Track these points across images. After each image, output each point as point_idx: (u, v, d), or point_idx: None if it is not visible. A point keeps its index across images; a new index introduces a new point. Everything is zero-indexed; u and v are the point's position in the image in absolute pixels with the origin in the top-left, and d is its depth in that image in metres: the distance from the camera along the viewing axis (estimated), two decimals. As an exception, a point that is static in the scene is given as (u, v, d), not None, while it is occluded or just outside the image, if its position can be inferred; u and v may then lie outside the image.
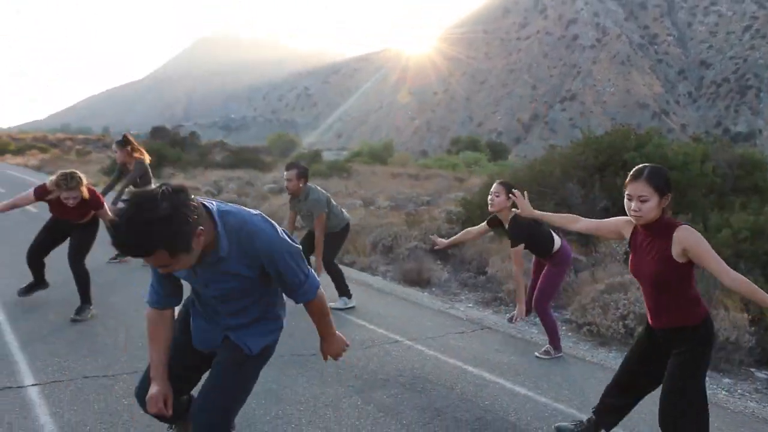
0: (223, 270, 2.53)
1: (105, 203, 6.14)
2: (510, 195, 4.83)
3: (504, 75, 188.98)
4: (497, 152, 57.62)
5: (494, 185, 5.40)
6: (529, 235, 5.34)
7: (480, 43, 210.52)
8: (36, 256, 6.40)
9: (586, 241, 9.17)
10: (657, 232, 3.23)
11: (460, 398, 4.51)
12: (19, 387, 4.25)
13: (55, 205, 5.91)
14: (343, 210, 7.10)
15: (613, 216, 9.22)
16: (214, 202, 2.50)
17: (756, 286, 3.10)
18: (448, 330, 6.36)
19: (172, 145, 31.79)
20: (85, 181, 5.75)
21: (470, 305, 7.53)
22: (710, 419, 3.27)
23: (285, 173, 6.57)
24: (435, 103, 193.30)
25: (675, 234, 3.16)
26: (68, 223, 6.11)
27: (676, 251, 3.16)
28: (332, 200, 6.87)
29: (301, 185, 6.59)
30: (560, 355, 5.61)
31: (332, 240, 6.84)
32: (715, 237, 7.25)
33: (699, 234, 3.16)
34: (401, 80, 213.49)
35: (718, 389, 5.17)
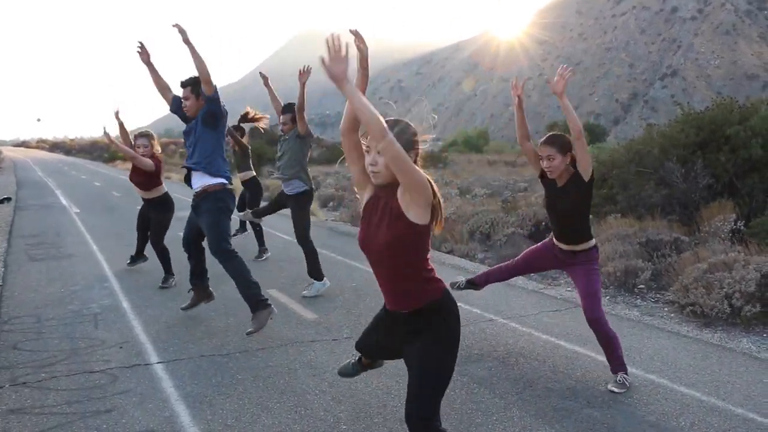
0: (198, 119, 5.54)
1: (159, 169, 7.62)
2: (567, 155, 4.27)
3: (600, 55, 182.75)
4: (595, 134, 56.08)
5: (543, 147, 4.34)
6: (588, 194, 4.40)
7: (574, 24, 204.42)
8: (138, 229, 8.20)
9: (688, 220, 8.92)
10: None
11: (552, 370, 4.66)
12: (146, 364, 4.74)
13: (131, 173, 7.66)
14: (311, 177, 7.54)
15: (718, 194, 8.89)
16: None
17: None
18: (542, 308, 6.49)
19: (269, 143, 32.66)
20: (157, 143, 7.72)
21: (569, 289, 7.55)
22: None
23: (281, 117, 7.29)
24: (530, 88, 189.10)
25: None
26: (145, 205, 7.82)
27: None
28: (306, 161, 7.39)
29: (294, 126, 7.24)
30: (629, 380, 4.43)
31: (300, 206, 7.22)
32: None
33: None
34: (493, 67, 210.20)
35: None
